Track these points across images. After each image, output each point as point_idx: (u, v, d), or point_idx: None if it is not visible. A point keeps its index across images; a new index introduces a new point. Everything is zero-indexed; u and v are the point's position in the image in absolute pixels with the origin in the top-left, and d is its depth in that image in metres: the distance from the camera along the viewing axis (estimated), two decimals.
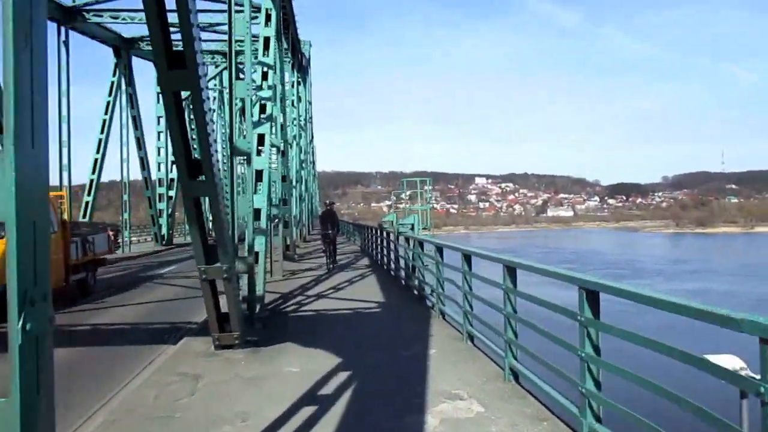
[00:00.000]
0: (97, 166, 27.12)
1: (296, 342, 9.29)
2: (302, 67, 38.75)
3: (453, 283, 9.91)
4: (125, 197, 31.77)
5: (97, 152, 27.36)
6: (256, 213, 12.57)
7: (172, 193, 37.59)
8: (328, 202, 22.24)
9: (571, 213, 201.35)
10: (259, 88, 14.84)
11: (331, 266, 19.88)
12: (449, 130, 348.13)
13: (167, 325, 11.89)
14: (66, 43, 24.15)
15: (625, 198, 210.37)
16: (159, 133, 37.62)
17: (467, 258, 8.79)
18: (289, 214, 22.40)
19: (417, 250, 13.00)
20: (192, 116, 6.60)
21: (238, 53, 12.55)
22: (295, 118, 29.09)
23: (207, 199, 7.21)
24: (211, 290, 8.09)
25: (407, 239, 14.53)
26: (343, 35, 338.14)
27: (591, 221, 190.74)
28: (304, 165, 40.38)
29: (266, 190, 13.05)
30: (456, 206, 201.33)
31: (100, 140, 27.59)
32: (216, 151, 6.96)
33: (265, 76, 15.08)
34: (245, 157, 11.49)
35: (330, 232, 20.06)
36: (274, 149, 18.83)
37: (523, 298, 6.62)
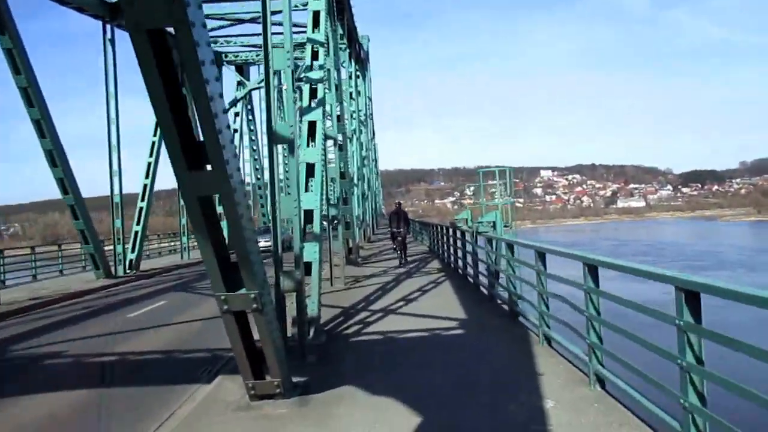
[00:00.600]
0: (151, 170, 25.59)
1: (358, 385, 6.90)
2: (360, 60, 36.58)
3: (564, 301, 7.30)
4: (182, 201, 30.26)
5: (150, 155, 25.85)
6: (308, 215, 10.31)
7: None
8: (396, 202, 23.36)
9: (642, 203, 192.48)
10: (309, 68, 12.59)
11: (402, 262, 20.52)
12: (513, 124, 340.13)
13: (206, 354, 9.77)
14: (112, 41, 22.63)
15: (700, 186, 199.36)
16: None
17: (592, 270, 6.18)
18: (351, 215, 20.15)
19: (505, 253, 10.41)
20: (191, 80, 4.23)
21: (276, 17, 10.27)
22: (354, 112, 26.89)
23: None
24: (238, 324, 5.79)
25: (489, 240, 11.95)
26: (402, 32, 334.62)
27: (664, 211, 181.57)
28: (365, 162, 38.23)
29: (319, 187, 10.77)
30: (522, 200, 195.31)
31: (153, 143, 26.08)
32: (228, 127, 4.63)
33: (315, 56, 12.83)
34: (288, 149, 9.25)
35: (400, 230, 20.71)
36: (330, 142, 16.60)
37: (720, 342, 4.00)
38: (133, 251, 24.05)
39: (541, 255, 8.18)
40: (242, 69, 39.97)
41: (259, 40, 32.77)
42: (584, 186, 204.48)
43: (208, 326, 12.34)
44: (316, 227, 10.31)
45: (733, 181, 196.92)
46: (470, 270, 15.32)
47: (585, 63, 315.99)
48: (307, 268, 9.82)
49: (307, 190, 10.77)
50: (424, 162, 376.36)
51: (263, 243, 26.13)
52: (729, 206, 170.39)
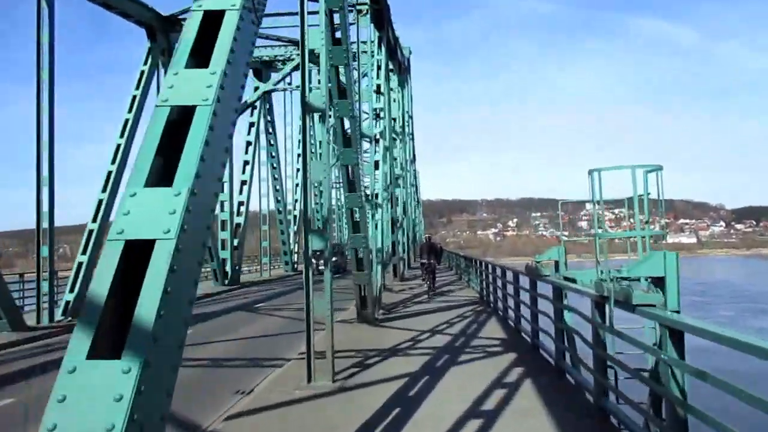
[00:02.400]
0: (110, 182, 18.76)
1: None
2: (396, 58, 29.52)
3: None
4: None
5: (112, 163, 19.08)
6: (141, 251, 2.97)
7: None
8: (426, 236, 24.16)
9: (693, 239, 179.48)
10: None
11: (430, 293, 20.08)
12: (557, 157, 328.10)
13: None
14: (50, 3, 16.06)
15: (755, 223, 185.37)
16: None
17: None
18: (364, 248, 12.70)
19: None
20: None
21: None
22: (381, 110, 19.67)
23: None
24: None
25: (673, 332, 4.33)
26: (446, 67, 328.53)
27: (718, 248, 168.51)
28: (400, 183, 30.86)
29: (193, 171, 3.37)
30: (567, 233, 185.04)
31: (118, 146, 19.33)
32: None
33: None
34: None
35: (430, 262, 20.68)
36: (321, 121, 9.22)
37: None
38: (72, 290, 17.06)
39: None
40: (261, 72, 33.43)
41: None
42: (631, 220, 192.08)
43: None
44: (148, 315, 2.92)
45: None
46: (567, 355, 7.77)
47: (632, 95, 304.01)
48: None
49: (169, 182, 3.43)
50: (467, 192, 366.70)
51: None
52: None
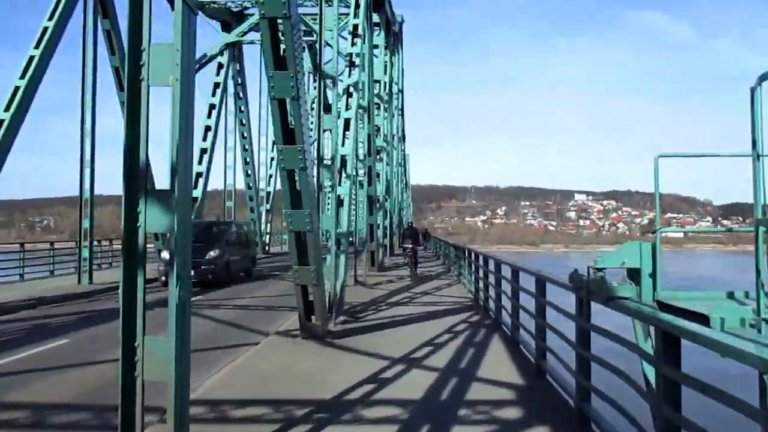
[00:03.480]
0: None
1: None
2: (380, 6, 24.94)
3: None
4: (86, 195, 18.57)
5: (6, 110, 14.41)
6: None
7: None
8: (409, 222, 26.99)
9: (681, 234, 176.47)
10: None
11: (413, 277, 19.64)
12: (547, 146, 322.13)
13: None
14: None
15: (741, 219, 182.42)
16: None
17: None
18: (310, 231, 8.23)
19: None
20: None
21: None
22: (358, 55, 15.00)
23: None
24: None
25: None
26: (437, 52, 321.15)
27: (704, 243, 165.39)
28: (384, 158, 26.31)
29: None
30: (554, 223, 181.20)
31: (16, 89, 14.67)
32: None
33: None
34: None
35: (411, 246, 20.56)
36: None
37: None
38: None
39: None
40: (230, 26, 28.63)
41: None
42: (619, 212, 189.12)
43: None
44: None
45: None
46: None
47: (629, 87, 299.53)
48: None
49: None
50: (457, 179, 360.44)
51: None
52: None
